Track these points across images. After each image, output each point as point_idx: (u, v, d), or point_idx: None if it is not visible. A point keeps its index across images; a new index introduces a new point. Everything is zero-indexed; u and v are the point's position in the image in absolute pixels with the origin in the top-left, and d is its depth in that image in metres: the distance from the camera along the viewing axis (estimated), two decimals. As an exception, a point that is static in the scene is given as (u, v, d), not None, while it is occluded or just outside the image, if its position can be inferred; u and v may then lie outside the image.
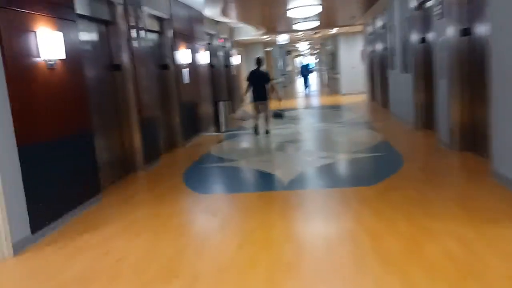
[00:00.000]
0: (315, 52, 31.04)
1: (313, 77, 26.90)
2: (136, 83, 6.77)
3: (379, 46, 13.12)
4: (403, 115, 9.57)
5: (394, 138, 7.95)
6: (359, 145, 7.58)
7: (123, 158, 6.60)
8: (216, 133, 10.50)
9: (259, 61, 9.93)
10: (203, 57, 10.99)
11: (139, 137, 6.74)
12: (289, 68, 31.90)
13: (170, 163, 7.43)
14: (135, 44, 6.77)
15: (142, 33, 7.12)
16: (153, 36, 8.12)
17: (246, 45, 19.24)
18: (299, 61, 31.06)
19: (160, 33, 8.47)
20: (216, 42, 13.37)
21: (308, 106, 16.68)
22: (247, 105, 14.62)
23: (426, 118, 8.16)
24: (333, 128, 10.13)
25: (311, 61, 32.41)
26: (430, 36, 7.71)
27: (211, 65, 12.51)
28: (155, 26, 8.20)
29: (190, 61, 9.69)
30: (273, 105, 11.81)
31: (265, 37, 20.03)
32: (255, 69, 9.88)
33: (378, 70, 13.47)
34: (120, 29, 6.45)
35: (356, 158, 6.60)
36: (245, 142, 9.33)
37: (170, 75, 8.65)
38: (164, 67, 8.53)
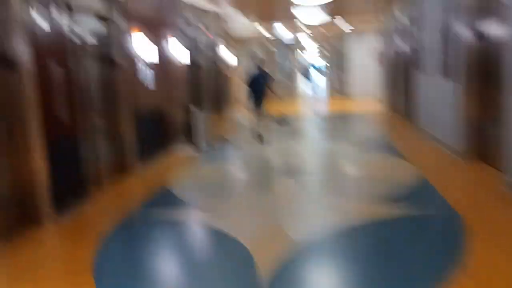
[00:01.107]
0: (322, 51, 28.67)
1: (320, 78, 24.43)
2: (44, 86, 4.37)
3: (402, 44, 10.63)
4: (440, 135, 7.10)
5: (435, 174, 5.47)
6: (385, 187, 5.09)
7: (14, 200, 4.19)
8: (193, 151, 8.07)
9: (260, 63, 9.07)
10: (181, 54, 8.57)
11: (44, 166, 4.33)
12: (294, 68, 29.46)
13: (103, 206, 4.98)
14: (42, 28, 4.35)
15: (62, 12, 4.71)
16: (91, 21, 5.69)
17: (244, 42, 16.75)
18: (305, 60, 28.68)
19: (106, 18, 6.03)
20: (204, 37, 10.93)
21: (314, 113, 14.19)
22: (244, 111, 12.32)
23: (482, 145, 5.70)
24: (346, 151, 7.59)
25: (318, 60, 30.00)
26: (494, 30, 5.25)
27: (194, 64, 10.10)
28: (95, 7, 5.76)
29: (158, 58, 7.29)
30: (274, 107, 9.51)
31: (266, 33, 17.55)
32: (256, 71, 8.80)
33: (400, 74, 10.97)
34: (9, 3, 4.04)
35: (383, 220, 4.07)
36: (224, 167, 6.89)
37: (120, 75, 6.22)
38: (111, 64, 6.10)
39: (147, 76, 7.06)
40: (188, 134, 8.30)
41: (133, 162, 6.43)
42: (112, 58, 6.11)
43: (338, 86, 19.40)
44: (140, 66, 6.86)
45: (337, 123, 11.44)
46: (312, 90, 22.10)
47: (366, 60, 16.36)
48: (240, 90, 10.88)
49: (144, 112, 7.01)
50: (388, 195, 4.71)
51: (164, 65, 7.86)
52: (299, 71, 24.97)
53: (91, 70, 5.60)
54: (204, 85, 10.68)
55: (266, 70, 9.54)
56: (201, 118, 8.29)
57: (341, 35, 17.99)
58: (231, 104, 13.01)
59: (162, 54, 7.76)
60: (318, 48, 29.34)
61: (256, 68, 8.96)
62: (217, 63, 12.40)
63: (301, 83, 24.06)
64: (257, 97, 8.52)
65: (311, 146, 8.55)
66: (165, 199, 5.16)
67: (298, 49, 29.80)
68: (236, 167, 6.90)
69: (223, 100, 12.80)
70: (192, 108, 8.37)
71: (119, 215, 4.53)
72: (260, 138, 8.52)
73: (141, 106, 6.94)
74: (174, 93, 8.33)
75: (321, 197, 5.07)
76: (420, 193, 4.86)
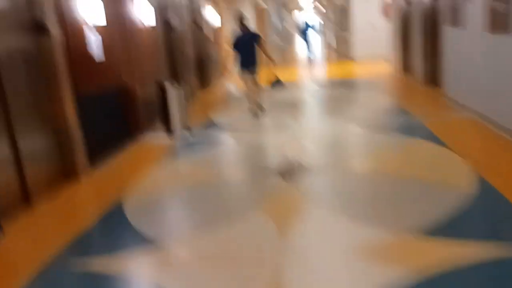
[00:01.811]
0: (320, 8, 26.27)
1: (316, 38, 22.37)
2: None
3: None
4: (488, 109, 5.40)
5: (500, 174, 3.82)
6: (432, 200, 3.45)
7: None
8: (167, 139, 6.38)
9: (241, 20, 7.45)
10: (144, 15, 6.72)
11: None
12: (289, 27, 27.17)
13: (19, 243, 3.36)
14: None
15: None
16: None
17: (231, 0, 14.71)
18: (301, 19, 26.38)
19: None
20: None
21: (312, 80, 12.39)
22: (232, 78, 10.61)
23: None
24: (357, 134, 5.92)
25: (313, 18, 27.69)
26: None
27: (169, 28, 8.28)
28: None
29: (115, 20, 5.49)
30: (267, 73, 8.01)
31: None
32: (240, 31, 7.44)
33: (417, 29, 9.11)
34: None
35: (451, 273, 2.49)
36: (205, 164, 5.18)
37: (50, 44, 4.43)
38: (39, 30, 4.32)
39: (95, 46, 5.27)
40: (163, 117, 6.57)
41: (79, 163, 4.74)
42: (40, 23, 4.31)
43: (340, 47, 17.47)
44: (83, 35, 5.06)
45: (343, 93, 9.65)
46: (310, 53, 20.17)
47: (372, 16, 14.37)
48: (228, 56, 9.14)
49: (96, 93, 5.27)
50: (443, 216, 3.05)
51: (125, 30, 6.05)
52: (296, 32, 22.91)
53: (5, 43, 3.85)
54: (183, 53, 8.85)
55: (252, 29, 7.98)
56: (178, 96, 6.53)
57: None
58: (219, 74, 11.19)
59: (122, 15, 5.94)
60: (315, 4, 26.99)
61: (239, 27, 7.44)
62: (200, 26, 10.50)
63: (299, 46, 22.08)
64: (246, 61, 7.30)
65: (311, 128, 6.77)
66: (110, 232, 3.50)
67: (293, 6, 27.34)
68: (220, 164, 5.24)
69: (209, 70, 10.97)
70: (166, 83, 6.60)
71: (23, 274, 2.87)
72: (255, 111, 7.35)
73: (91, 86, 5.19)
74: (141, 66, 6.55)
75: (334, 223, 3.41)
76: (493, 210, 3.22)
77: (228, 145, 5.99)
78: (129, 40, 6.15)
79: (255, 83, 7.44)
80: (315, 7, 26.04)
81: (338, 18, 17.64)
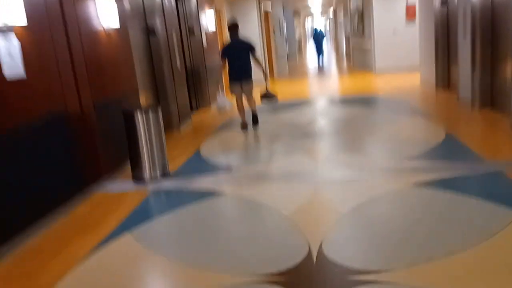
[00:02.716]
0: (334, 11, 24.31)
1: (330, 47, 20.55)
2: None
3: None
4: None
5: None
6: None
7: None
8: (134, 186, 4.54)
9: (234, 28, 6.89)
10: (105, 16, 4.91)
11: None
12: (297, 35, 25.36)
13: None
14: None
15: None
16: None
17: (230, 1, 12.90)
18: (312, 25, 24.54)
19: None
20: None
21: (325, 96, 10.52)
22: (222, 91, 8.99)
23: None
24: (408, 210, 3.75)
25: (326, 25, 25.92)
26: None
27: (146, 33, 6.56)
28: None
29: (32, 16, 3.67)
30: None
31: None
32: (231, 40, 6.91)
33: (467, 33, 7.19)
34: None
35: None
36: (184, 230, 3.31)
37: None
38: None
39: (13, 56, 3.45)
40: (130, 158, 4.72)
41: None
42: None
43: (358, 57, 15.62)
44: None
45: (365, 114, 7.70)
46: (322, 64, 18.40)
47: (396, 20, 12.51)
48: (219, 64, 7.84)
49: (13, 130, 3.45)
50: None
51: (67, 32, 4.24)
52: (307, 40, 21.16)
53: None
54: (169, 66, 7.03)
55: (244, 37, 7.15)
56: (154, 125, 4.68)
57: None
58: (215, 90, 9.37)
59: (57, 11, 4.12)
60: (328, 9, 25.06)
61: (231, 34, 6.86)
62: (194, 33, 8.69)
63: (310, 56, 20.36)
64: (237, 73, 6.71)
65: (328, 182, 4.33)
66: None
67: (305, 13, 25.64)
68: (195, 247, 3.34)
69: (206, 86, 9.15)
70: (136, 109, 4.76)
71: None
72: (246, 126, 6.83)
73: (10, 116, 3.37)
74: (100, 83, 4.73)
75: None
76: None
77: (216, 205, 4.07)
78: (75, 47, 4.32)
79: (249, 97, 6.83)
80: (329, 12, 24.25)
81: (356, 24, 15.79)
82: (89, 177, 4.47)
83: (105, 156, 4.76)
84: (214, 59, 9.83)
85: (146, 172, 4.64)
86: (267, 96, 6.94)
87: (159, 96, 6.96)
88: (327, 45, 21.56)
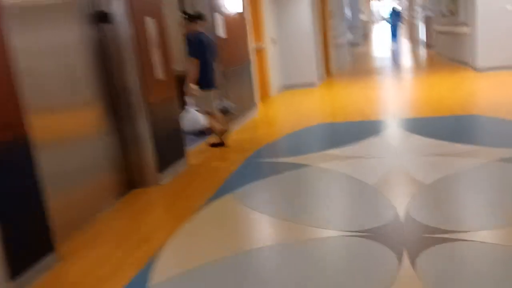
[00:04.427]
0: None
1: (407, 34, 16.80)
2: None
3: None
4: None
5: None
6: None
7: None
8: None
9: (199, 17, 5.15)
10: None
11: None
12: (363, 18, 21.39)
13: None
14: None
15: None
16: None
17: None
18: (385, 6, 20.74)
19: None
20: None
21: (405, 115, 6.89)
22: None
23: None
24: None
25: (395, 4, 21.93)
26: None
27: (98, 24, 3.47)
28: None
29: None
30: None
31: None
32: (200, 33, 5.12)
33: None
34: None
35: None
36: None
37: None
38: None
39: None
40: None
41: None
42: None
43: (452, 49, 11.76)
44: None
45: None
46: (395, 56, 14.73)
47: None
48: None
49: None
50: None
51: None
52: (374, 21, 17.63)
53: None
54: (134, 74, 3.96)
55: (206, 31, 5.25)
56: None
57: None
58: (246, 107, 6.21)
59: None
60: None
61: (198, 25, 5.09)
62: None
63: (374, 40, 16.97)
64: (211, 76, 5.16)
65: None
66: None
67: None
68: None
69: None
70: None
71: None
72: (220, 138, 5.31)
73: None
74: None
75: None
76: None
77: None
78: None
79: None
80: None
81: (449, 5, 11.83)
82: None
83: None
84: (240, 56, 6.67)
85: None
86: (225, 109, 5.43)
87: (118, 127, 3.95)
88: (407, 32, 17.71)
